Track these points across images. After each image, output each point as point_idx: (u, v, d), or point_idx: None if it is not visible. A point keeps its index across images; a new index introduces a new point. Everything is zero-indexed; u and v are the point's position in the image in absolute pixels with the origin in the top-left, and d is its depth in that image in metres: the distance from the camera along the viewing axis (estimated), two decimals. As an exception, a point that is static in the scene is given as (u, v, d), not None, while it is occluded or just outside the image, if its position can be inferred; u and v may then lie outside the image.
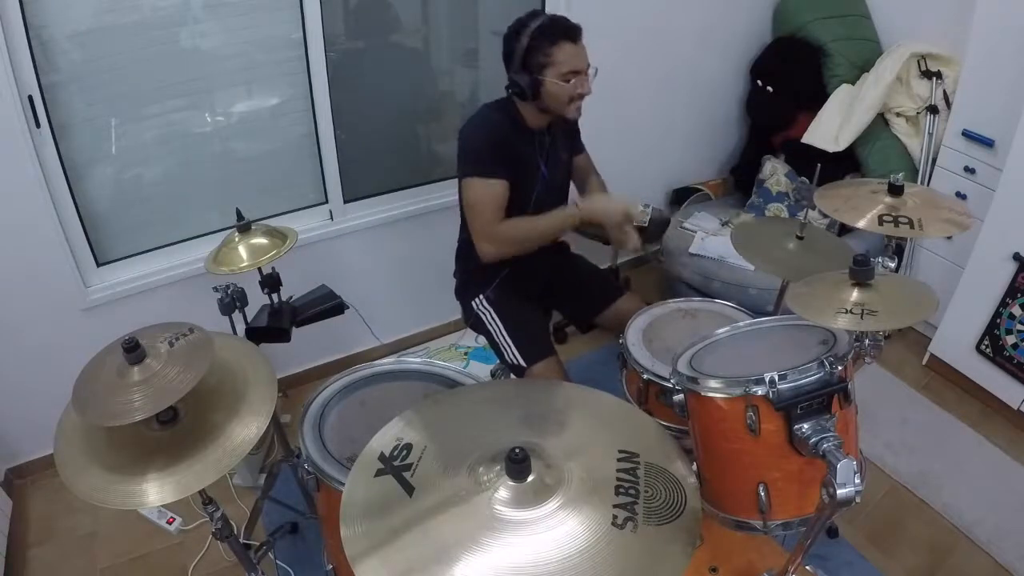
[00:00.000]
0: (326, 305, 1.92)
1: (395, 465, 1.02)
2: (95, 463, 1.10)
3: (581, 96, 1.80)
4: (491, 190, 1.79)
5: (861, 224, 1.51)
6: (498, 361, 2.02)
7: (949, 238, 2.60)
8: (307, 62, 2.24)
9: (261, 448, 2.39)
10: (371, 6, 2.40)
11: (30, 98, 1.87)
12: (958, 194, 2.57)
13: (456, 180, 1.88)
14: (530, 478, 0.94)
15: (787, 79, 3.06)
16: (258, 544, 1.90)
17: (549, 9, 2.61)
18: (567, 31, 1.74)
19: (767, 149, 3.24)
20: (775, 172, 3.09)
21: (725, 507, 1.27)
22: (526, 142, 1.87)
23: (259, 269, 1.76)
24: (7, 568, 1.99)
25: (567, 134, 2.02)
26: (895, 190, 1.53)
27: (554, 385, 1.51)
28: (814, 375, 1.15)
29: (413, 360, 1.69)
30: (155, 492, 1.07)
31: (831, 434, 1.08)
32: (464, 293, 2.08)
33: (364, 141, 2.52)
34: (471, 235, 1.87)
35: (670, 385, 1.37)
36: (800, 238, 1.83)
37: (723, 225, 3.04)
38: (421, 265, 2.74)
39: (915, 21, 2.86)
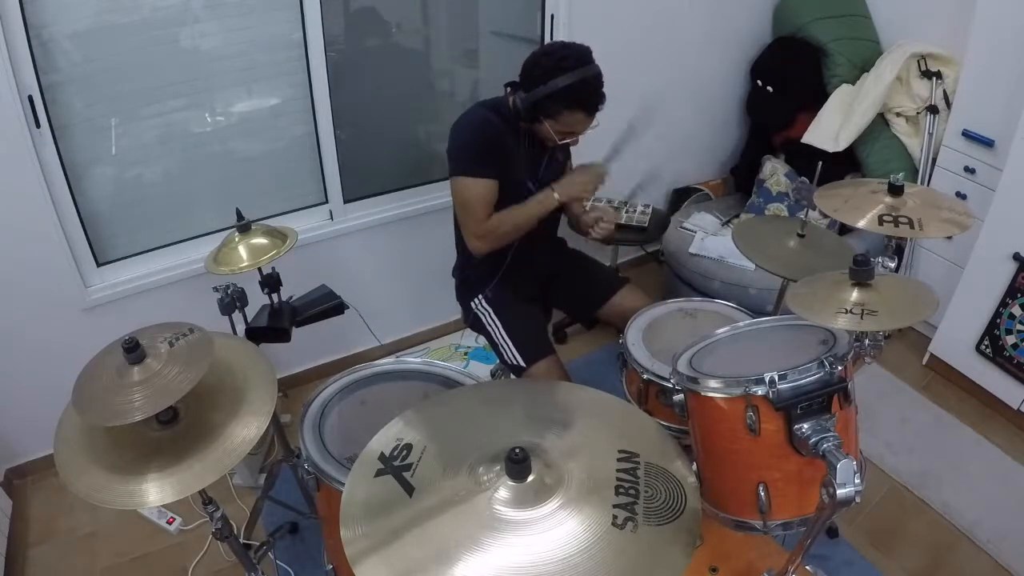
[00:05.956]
0: (326, 305, 1.92)
1: (395, 465, 1.02)
2: (95, 463, 1.10)
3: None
4: (481, 189, 1.79)
5: (861, 224, 1.51)
6: (498, 361, 2.02)
7: (949, 238, 2.60)
8: (307, 62, 2.24)
9: (261, 448, 2.40)
10: (371, 6, 2.39)
11: (30, 98, 1.87)
12: (958, 194, 2.57)
13: None
14: (530, 478, 0.94)
15: (787, 79, 3.06)
16: (258, 544, 1.90)
17: (549, 8, 2.61)
18: (589, 105, 1.73)
19: (767, 149, 3.24)
20: (775, 172, 3.09)
21: (725, 507, 1.27)
22: (520, 143, 1.86)
23: (259, 269, 1.76)
24: (7, 568, 1.99)
25: None
26: (895, 190, 1.53)
27: (554, 385, 1.51)
28: (814, 375, 1.15)
29: (413, 360, 1.70)
30: (155, 492, 1.07)
31: (831, 434, 1.08)
32: (463, 293, 2.08)
33: (364, 141, 2.51)
34: (461, 231, 1.89)
35: (670, 385, 1.37)
36: (801, 236, 1.84)
37: (723, 225, 3.04)
38: (421, 265, 2.74)
39: (915, 21, 2.86)
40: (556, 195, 1.86)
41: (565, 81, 1.68)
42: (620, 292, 2.08)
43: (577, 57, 1.72)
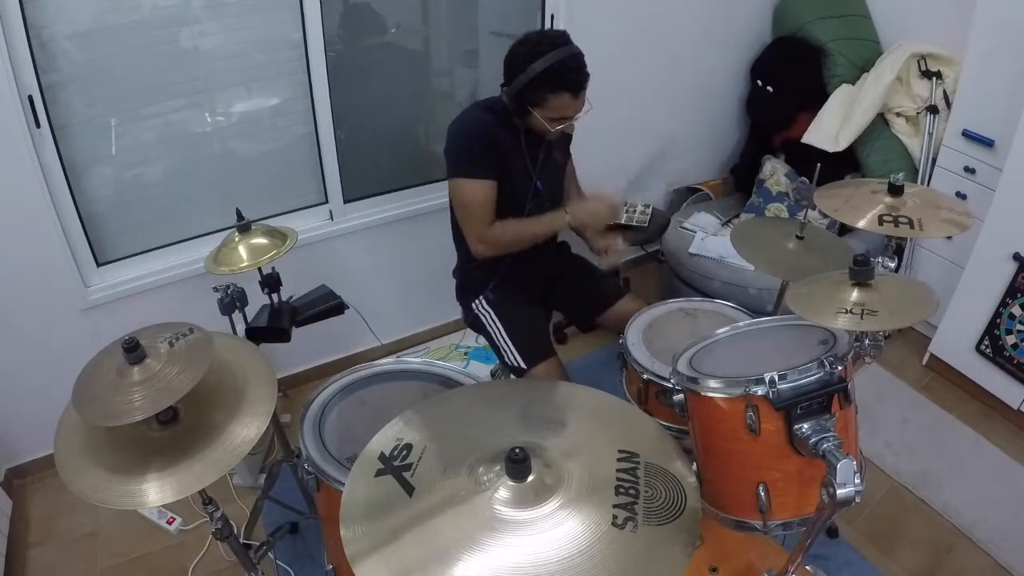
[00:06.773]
0: (326, 305, 1.92)
1: (395, 465, 1.02)
2: (95, 463, 1.10)
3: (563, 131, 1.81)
4: (481, 191, 1.79)
5: (861, 224, 1.51)
6: (498, 361, 2.02)
7: (949, 238, 2.60)
8: (307, 62, 2.24)
9: (261, 448, 2.40)
10: (371, 6, 2.39)
11: (30, 98, 1.87)
12: (958, 194, 2.57)
13: None
14: (530, 478, 0.94)
15: (787, 79, 3.06)
16: (258, 544, 1.90)
17: (549, 8, 2.61)
18: (571, 84, 1.69)
19: (767, 149, 3.24)
20: (775, 172, 3.09)
21: (725, 507, 1.27)
22: (516, 142, 1.85)
23: (259, 269, 1.76)
24: (7, 568, 1.99)
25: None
26: (895, 190, 1.53)
27: (554, 385, 1.51)
28: (814, 375, 1.15)
29: (413, 360, 1.70)
30: (155, 492, 1.07)
31: (831, 434, 1.08)
32: (463, 294, 2.08)
33: (364, 141, 2.51)
34: (463, 234, 1.88)
35: (670, 385, 1.37)
36: (800, 238, 1.83)
37: (723, 225, 3.04)
38: (421, 265, 2.74)
39: (915, 21, 2.86)
40: (568, 218, 1.86)
41: (543, 64, 1.66)
42: (621, 301, 2.07)
43: (552, 40, 1.70)
